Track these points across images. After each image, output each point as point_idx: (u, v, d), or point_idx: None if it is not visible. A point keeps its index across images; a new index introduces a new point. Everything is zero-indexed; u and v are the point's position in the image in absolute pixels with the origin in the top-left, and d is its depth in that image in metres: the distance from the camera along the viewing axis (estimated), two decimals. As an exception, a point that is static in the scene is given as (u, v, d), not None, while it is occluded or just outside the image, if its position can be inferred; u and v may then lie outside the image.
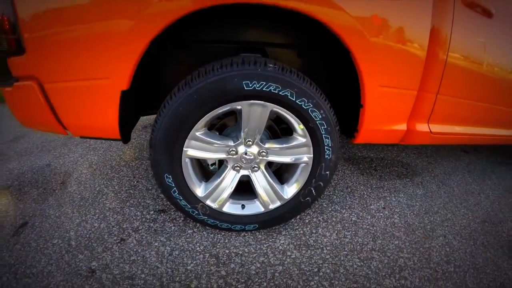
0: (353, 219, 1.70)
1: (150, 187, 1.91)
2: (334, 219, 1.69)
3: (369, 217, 1.73)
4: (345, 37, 1.12)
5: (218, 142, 1.26)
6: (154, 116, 1.87)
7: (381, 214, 1.78)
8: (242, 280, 1.24)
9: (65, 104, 1.18)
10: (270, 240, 1.48)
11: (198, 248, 1.40)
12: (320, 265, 1.35)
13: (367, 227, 1.65)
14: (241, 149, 1.29)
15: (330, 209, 1.77)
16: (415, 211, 1.86)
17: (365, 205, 1.85)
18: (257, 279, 1.25)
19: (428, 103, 1.51)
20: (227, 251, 1.39)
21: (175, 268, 1.29)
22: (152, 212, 1.66)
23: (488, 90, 1.74)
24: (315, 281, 1.26)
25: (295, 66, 1.53)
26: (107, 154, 2.43)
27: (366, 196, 1.96)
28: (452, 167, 2.68)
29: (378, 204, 1.88)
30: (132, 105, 1.37)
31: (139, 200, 1.77)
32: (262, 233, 1.53)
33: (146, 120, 3.21)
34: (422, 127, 1.57)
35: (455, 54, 1.42)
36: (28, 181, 2.06)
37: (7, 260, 1.32)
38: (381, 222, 1.70)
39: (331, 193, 1.95)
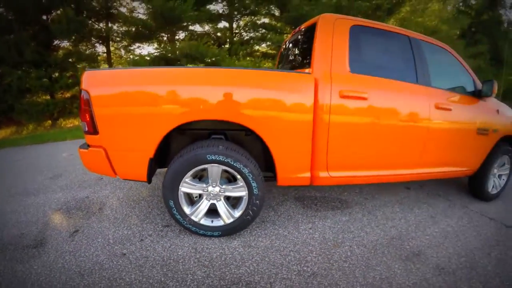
0: (285, 233, 2.74)
1: (159, 213, 3.03)
2: (272, 232, 2.73)
3: (296, 233, 2.75)
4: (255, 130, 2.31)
5: (198, 185, 2.42)
6: (164, 169, 3.01)
7: (306, 231, 2.78)
8: (207, 260, 2.31)
9: (118, 161, 2.37)
10: (228, 241, 2.56)
11: (186, 244, 2.49)
12: (255, 257, 2.38)
13: (292, 238, 2.67)
14: (210, 188, 2.44)
15: (271, 228, 2.82)
16: (334, 231, 2.82)
17: (296, 226, 2.87)
18: (216, 258, 2.32)
19: (323, 158, 2.60)
20: (202, 246, 2.48)
21: (172, 252, 2.38)
22: (160, 226, 2.78)
23: (371, 146, 2.75)
24: (248, 264, 2.30)
25: (244, 141, 2.69)
26: (129, 192, 3.59)
27: (300, 221, 2.98)
28: (385, 201, 3.59)
29: (306, 225, 2.89)
30: (155, 163, 2.55)
31: (152, 219, 2.90)
32: (224, 238, 2.61)
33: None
34: (323, 174, 2.65)
35: (336, 126, 2.53)
36: (73, 206, 3.22)
37: (67, 249, 2.42)
38: (304, 236, 2.70)
39: (274, 218, 3.01)
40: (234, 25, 13.32)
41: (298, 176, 2.57)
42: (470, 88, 3.45)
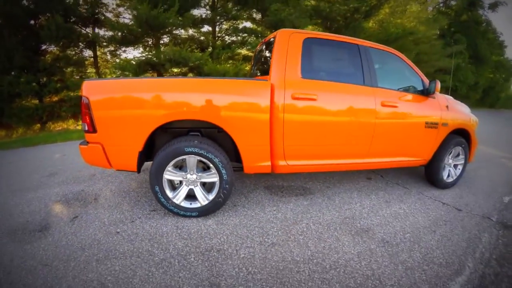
0: (252, 214, 3.26)
1: (147, 201, 3.51)
2: (241, 213, 3.24)
3: (262, 214, 3.27)
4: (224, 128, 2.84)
5: (178, 173, 2.93)
6: (150, 162, 3.48)
7: (271, 213, 3.30)
8: (186, 234, 2.81)
9: (113, 155, 2.85)
10: (204, 220, 3.06)
11: (169, 223, 2.98)
12: (226, 231, 2.88)
13: (258, 218, 3.18)
14: (188, 176, 2.95)
15: (241, 210, 3.34)
16: (295, 212, 3.34)
17: (263, 209, 3.38)
18: (194, 233, 2.82)
19: (280, 149, 3.13)
20: (183, 224, 2.98)
21: (158, 229, 2.87)
22: (148, 210, 3.26)
23: (322, 138, 3.26)
24: (219, 237, 2.78)
25: (217, 137, 3.20)
26: (120, 185, 4.05)
27: (266, 204, 3.50)
28: (345, 189, 4.07)
29: (272, 208, 3.41)
30: (143, 156, 3.05)
31: (141, 206, 3.38)
32: (201, 218, 3.12)
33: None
34: (282, 162, 3.19)
35: (289, 123, 3.05)
36: (71, 198, 3.67)
37: (69, 231, 2.88)
38: (268, 216, 3.22)
39: (245, 203, 3.52)
40: (217, 29, 13.80)
41: (260, 164, 3.10)
42: (419, 87, 3.89)
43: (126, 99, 2.80)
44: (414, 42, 21.10)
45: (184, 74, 12.08)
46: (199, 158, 2.86)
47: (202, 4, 13.54)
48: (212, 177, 2.96)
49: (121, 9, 12.49)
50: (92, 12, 11.80)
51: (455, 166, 4.51)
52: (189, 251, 2.55)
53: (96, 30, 12.24)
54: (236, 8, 13.39)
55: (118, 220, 3.07)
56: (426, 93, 3.87)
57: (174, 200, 2.98)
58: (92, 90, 2.79)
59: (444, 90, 30.77)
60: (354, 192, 4.02)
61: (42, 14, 10.99)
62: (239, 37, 13.59)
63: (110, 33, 11.29)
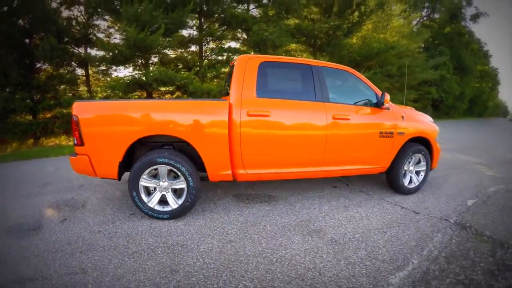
0: (217, 217, 3.72)
1: (128, 207, 4.01)
2: (208, 217, 3.73)
3: (226, 217, 3.74)
4: (189, 142, 3.39)
5: (153, 180, 3.46)
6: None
7: (234, 216, 3.76)
8: (158, 233, 3.32)
9: (98, 165, 3.38)
10: (174, 222, 3.55)
11: (144, 224, 3.49)
12: (191, 231, 3.37)
13: (222, 220, 3.64)
14: (161, 183, 3.48)
15: (208, 214, 3.82)
16: (256, 216, 3.77)
17: (228, 213, 3.85)
18: (164, 232, 3.32)
19: (239, 159, 3.63)
20: (156, 225, 3.48)
21: (134, 229, 3.37)
22: (127, 214, 3.76)
23: (277, 149, 3.65)
24: (185, 234, 3.27)
25: (186, 150, 3.73)
26: (105, 194, 4.55)
27: (232, 210, 3.98)
28: (308, 196, 4.39)
29: (236, 213, 3.88)
30: (123, 166, 3.56)
31: (122, 211, 3.87)
32: (172, 220, 3.61)
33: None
34: (241, 171, 3.68)
35: (246, 137, 3.47)
36: (62, 204, 4.17)
37: (58, 230, 3.37)
38: (231, 219, 3.69)
39: (213, 208, 4.01)
40: (204, 48, 14.46)
41: (222, 173, 3.60)
42: (374, 101, 4.17)
43: (108, 117, 3.36)
44: (397, 56, 21.82)
45: (172, 93, 12.69)
46: (169, 167, 3.39)
47: (191, 25, 14.24)
48: (181, 184, 3.48)
49: (112, 30, 13.10)
50: (84, 33, 12.40)
51: (418, 172, 4.71)
52: (158, 246, 3.03)
53: (88, 50, 12.81)
54: (221, 28, 14.11)
55: (101, 222, 3.57)
56: (378, 105, 4.13)
57: (149, 204, 3.49)
58: (81, 109, 3.34)
59: (431, 101, 31.61)
60: (316, 199, 4.32)
61: (37, 34, 11.53)
62: (224, 57, 14.23)
63: (102, 53, 11.85)
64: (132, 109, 3.39)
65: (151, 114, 3.37)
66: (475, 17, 37.34)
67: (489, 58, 50.24)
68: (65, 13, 12.49)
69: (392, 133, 4.20)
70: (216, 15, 13.47)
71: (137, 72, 11.90)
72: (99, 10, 12.07)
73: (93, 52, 12.78)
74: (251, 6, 15.77)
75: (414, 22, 33.55)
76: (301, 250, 2.93)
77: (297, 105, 3.79)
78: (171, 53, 14.39)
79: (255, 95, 3.61)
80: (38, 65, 12.64)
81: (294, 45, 18.15)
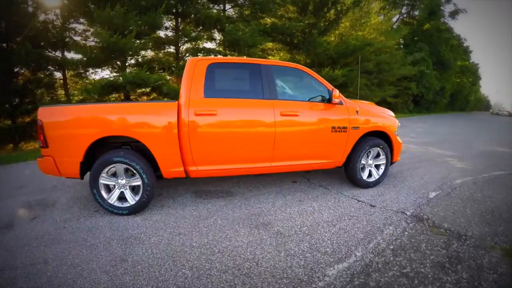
0: (173, 212, 4.06)
1: (93, 206, 4.38)
2: (164, 212, 4.09)
3: (181, 212, 4.07)
4: (142, 141, 3.77)
5: (112, 178, 3.84)
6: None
7: (189, 212, 4.11)
8: (116, 226, 3.70)
9: (61, 165, 3.75)
10: (132, 217, 3.95)
11: (105, 220, 3.88)
12: (146, 224, 3.76)
13: (177, 215, 3.96)
14: (119, 181, 3.87)
15: (165, 210, 4.18)
16: (210, 211, 3.94)
17: (183, 208, 4.15)
18: (122, 226, 3.71)
19: (189, 157, 3.86)
20: (115, 220, 3.86)
21: (95, 224, 3.74)
22: (92, 211, 4.12)
23: (226, 146, 3.85)
24: (140, 228, 3.67)
25: (143, 150, 4.09)
26: (75, 194, 4.92)
27: (188, 205, 4.27)
28: (265, 192, 4.62)
29: (191, 208, 4.22)
30: (84, 166, 3.90)
31: (87, 209, 4.24)
32: (131, 216, 3.98)
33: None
34: (193, 168, 3.93)
35: (194, 135, 3.70)
36: (34, 204, 4.52)
37: (28, 227, 3.74)
38: (185, 214, 4.02)
39: (171, 204, 4.37)
40: (181, 49, 14.76)
41: (175, 170, 3.88)
42: (327, 96, 4.24)
43: (69, 121, 3.71)
44: (374, 53, 22.31)
45: (148, 95, 12.99)
46: (125, 166, 3.76)
47: (167, 26, 14.53)
48: (137, 181, 3.86)
49: (88, 33, 13.31)
50: (60, 37, 12.60)
51: (378, 166, 4.82)
52: (114, 238, 3.37)
53: (66, 53, 13.02)
54: (197, 29, 14.43)
55: (67, 219, 3.94)
56: (328, 100, 4.21)
57: (109, 201, 3.87)
58: (45, 114, 3.69)
59: (412, 96, 32.36)
60: (273, 194, 4.50)
61: (13, 38, 11.69)
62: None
63: (79, 56, 12.09)
64: (89, 112, 3.76)
65: (107, 117, 3.70)
66: (454, 14, 38.16)
67: (469, 54, 51.47)
68: (42, 17, 12.63)
69: (345, 127, 4.31)
70: (192, 15, 13.74)
71: (114, 74, 12.15)
72: (74, 13, 12.25)
73: (70, 55, 13.01)
74: (227, 6, 16.11)
75: (394, 20, 34.22)
76: (244, 242, 3.15)
77: (245, 103, 3.98)
78: (149, 54, 14.68)
79: (202, 96, 3.83)
80: (16, 70, 12.77)
81: (270, 44, 18.48)
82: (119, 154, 3.74)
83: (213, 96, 3.88)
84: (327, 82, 4.38)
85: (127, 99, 12.33)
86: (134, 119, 3.72)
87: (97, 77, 12.98)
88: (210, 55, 14.23)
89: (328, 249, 2.94)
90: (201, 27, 14.21)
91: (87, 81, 12.91)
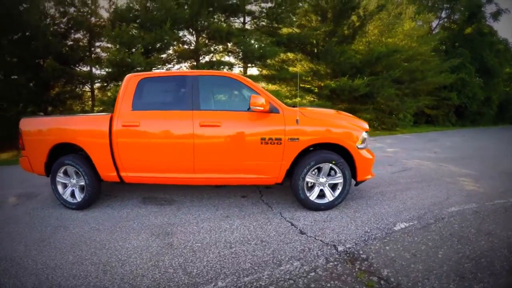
0: (110, 212, 4.85)
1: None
2: (105, 211, 4.69)
3: (116, 213, 4.56)
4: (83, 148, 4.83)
5: (66, 178, 4.98)
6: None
7: (121, 213, 4.53)
8: (66, 218, 4.80)
9: (33, 164, 4.99)
10: (78, 212, 4.93)
11: (60, 212, 5.00)
12: (88, 220, 4.80)
13: (109, 214, 4.65)
14: (71, 180, 4.97)
15: (109, 211, 4.77)
16: (138, 215, 4.32)
17: (120, 210, 4.57)
18: (69, 218, 4.78)
19: (120, 164, 4.34)
20: (66, 212, 4.96)
21: (51, 213, 4.89)
22: (58, 203, 5.20)
23: (148, 156, 4.28)
24: (77, 222, 4.74)
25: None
26: (45, 190, 5.84)
27: (127, 208, 4.66)
28: (205, 204, 4.70)
29: (127, 211, 4.60)
30: (49, 165, 5.03)
31: (56, 202, 5.29)
32: (83, 210, 5.00)
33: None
34: (124, 174, 4.43)
35: (121, 145, 4.29)
36: (23, 195, 5.70)
37: (7, 211, 5.03)
38: (117, 214, 4.51)
39: (116, 206, 5.08)
40: (201, 63, 15.90)
41: (110, 175, 4.50)
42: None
43: (37, 130, 4.88)
44: (405, 60, 20.42)
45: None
46: (74, 168, 4.79)
47: (185, 41, 15.98)
48: (82, 181, 4.57)
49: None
50: (86, 53, 14.62)
51: (334, 186, 4.22)
52: (52, 225, 4.16)
53: (90, 67, 15.01)
54: (210, 43, 15.63)
55: (36, 208, 5.01)
56: (248, 109, 3.99)
57: (64, 196, 4.87)
58: (23, 124, 4.87)
59: (454, 108, 29.97)
60: (207, 207, 4.60)
61: (45, 57, 13.74)
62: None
63: (103, 71, 13.89)
64: (50, 123, 4.96)
65: (61, 127, 4.79)
66: (496, 14, 35.34)
67: (520, 60, 46.80)
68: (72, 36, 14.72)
69: (280, 139, 3.95)
70: (207, 30, 14.96)
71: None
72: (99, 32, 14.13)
73: (95, 70, 14.95)
74: (247, 19, 17.05)
75: (434, 25, 32.42)
76: (130, 245, 3.44)
77: (165, 115, 4.29)
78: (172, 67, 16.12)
79: (131, 108, 4.28)
80: (52, 82, 14.96)
81: (291, 54, 18.93)
82: (69, 158, 4.61)
83: (139, 108, 4.28)
84: (264, 91, 4.18)
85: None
86: (79, 129, 4.58)
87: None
88: (225, 68, 15.03)
89: (194, 271, 2.80)
90: (212, 41, 15.30)
91: (109, 94, 14.69)
